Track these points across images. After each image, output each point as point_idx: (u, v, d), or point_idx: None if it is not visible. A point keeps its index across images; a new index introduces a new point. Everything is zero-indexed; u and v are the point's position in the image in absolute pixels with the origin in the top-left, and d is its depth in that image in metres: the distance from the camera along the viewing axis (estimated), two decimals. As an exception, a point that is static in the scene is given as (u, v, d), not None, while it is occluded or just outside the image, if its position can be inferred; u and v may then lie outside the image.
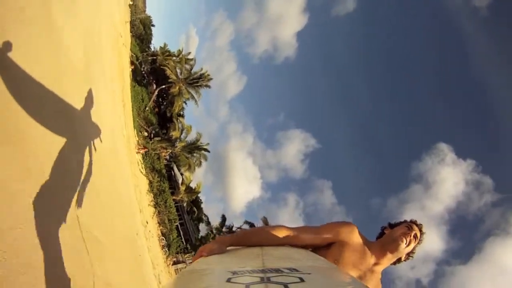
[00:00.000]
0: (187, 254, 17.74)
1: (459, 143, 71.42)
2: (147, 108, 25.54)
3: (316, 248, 1.43)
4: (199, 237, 20.96)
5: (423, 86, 74.41)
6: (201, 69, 26.10)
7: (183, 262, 16.97)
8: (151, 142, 22.76)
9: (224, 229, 21.81)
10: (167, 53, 33.39)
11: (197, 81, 26.08)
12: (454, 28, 72.36)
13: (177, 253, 17.40)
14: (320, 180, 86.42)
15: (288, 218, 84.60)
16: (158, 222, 17.83)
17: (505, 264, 60.96)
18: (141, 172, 16.34)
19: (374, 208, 75.47)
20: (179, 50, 34.73)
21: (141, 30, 39.07)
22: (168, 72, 24.24)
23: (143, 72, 32.36)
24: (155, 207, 18.33)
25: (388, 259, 1.48)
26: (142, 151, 16.88)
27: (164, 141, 22.82)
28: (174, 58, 33.42)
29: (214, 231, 20.54)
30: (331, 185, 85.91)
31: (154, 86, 32.31)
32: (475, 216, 62.65)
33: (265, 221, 22.35)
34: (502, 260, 59.56)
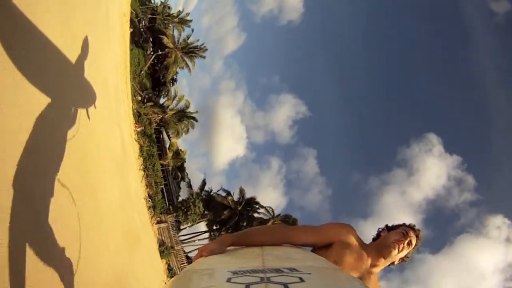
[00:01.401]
0: (169, 215, 20.26)
1: (450, 137, 71.02)
2: (142, 72, 26.52)
3: (316, 249, 1.46)
4: (181, 200, 23.47)
5: (424, 74, 74.06)
6: (198, 40, 26.82)
7: (165, 222, 19.50)
8: (144, 106, 24.24)
9: (203, 193, 24.29)
10: (167, 14, 33.70)
11: (193, 50, 26.97)
12: (465, 25, 71.61)
13: (161, 213, 19.85)
14: (305, 148, 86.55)
15: (269, 181, 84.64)
16: (146, 185, 19.99)
17: (471, 262, 62.71)
18: (134, 139, 18.15)
19: (354, 184, 76.93)
20: (179, 10, 35.02)
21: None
22: (165, 40, 24.95)
23: (141, 30, 32.58)
24: (144, 171, 20.39)
25: (383, 262, 1.52)
26: (138, 129, 18.48)
27: (157, 107, 24.31)
28: (173, 19, 33.90)
29: (194, 196, 22.91)
30: (316, 155, 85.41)
31: (151, 47, 32.78)
32: (451, 211, 64.09)
33: (241, 190, 24.79)
34: (469, 257, 61.38)
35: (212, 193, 24.94)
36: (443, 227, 69.24)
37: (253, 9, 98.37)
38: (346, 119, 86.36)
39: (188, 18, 34.62)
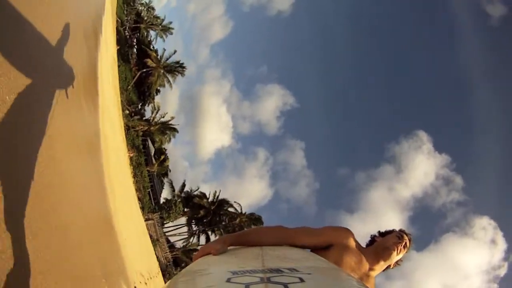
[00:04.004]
0: (155, 213, 24.87)
1: (439, 136, 70.14)
2: (129, 87, 30.21)
3: (315, 250, 1.47)
4: (164, 200, 28.12)
5: (417, 71, 73.18)
6: (179, 61, 30.79)
7: (152, 219, 24.11)
8: (132, 119, 28.21)
9: (182, 194, 28.91)
10: (150, 23, 37.46)
11: (174, 68, 30.94)
12: (457, 21, 70.72)
13: (148, 212, 24.38)
14: (293, 140, 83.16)
15: (255, 172, 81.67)
16: (136, 189, 24.40)
17: (456, 261, 62.23)
18: (129, 157, 22.45)
19: (341, 178, 75.11)
20: (162, 19, 38.66)
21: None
22: (149, 62, 28.80)
23: (126, 36, 35.73)
24: (134, 177, 24.74)
25: (381, 266, 1.58)
26: (131, 154, 22.71)
27: (143, 120, 28.42)
28: (156, 27, 37.74)
29: (176, 197, 27.53)
30: (304, 147, 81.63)
31: (135, 58, 36.07)
32: (438, 210, 63.25)
33: (215, 192, 29.48)
34: (454, 256, 60.86)
35: (191, 193, 29.55)
36: (429, 225, 68.93)
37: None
38: (335, 112, 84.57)
39: (171, 25, 38.54)
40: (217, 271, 0.84)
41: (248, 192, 77.86)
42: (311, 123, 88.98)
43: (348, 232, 1.54)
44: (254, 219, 27.04)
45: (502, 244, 55.10)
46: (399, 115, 78.08)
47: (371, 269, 1.55)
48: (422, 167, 65.09)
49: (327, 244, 1.47)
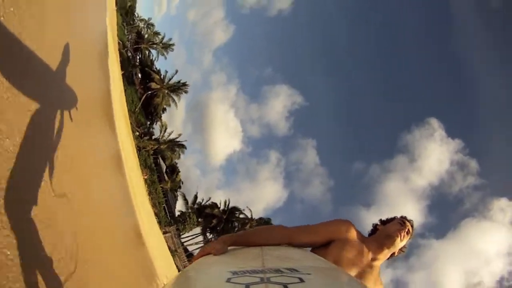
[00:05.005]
0: (171, 226, 26.88)
1: (451, 121, 69.82)
2: (136, 109, 32.27)
3: (315, 248, 1.49)
4: (179, 213, 30.21)
5: (423, 59, 72.43)
6: (180, 80, 32.76)
7: (169, 232, 26.12)
8: (142, 140, 30.25)
9: (195, 206, 30.88)
10: (151, 42, 39.51)
11: (178, 87, 32.97)
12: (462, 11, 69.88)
13: (165, 226, 26.39)
14: (304, 139, 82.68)
15: (268, 175, 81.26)
16: (151, 205, 26.42)
17: (476, 246, 61.95)
18: (143, 179, 24.46)
19: (355, 173, 75.15)
20: (162, 36, 40.63)
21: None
22: (153, 85, 30.81)
23: (129, 57, 37.80)
24: (149, 194, 26.76)
25: (385, 254, 1.56)
26: (146, 176, 24.71)
27: (152, 140, 30.46)
28: (157, 46, 39.77)
29: (189, 210, 29.55)
30: (315, 145, 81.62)
31: (139, 79, 38.12)
32: (455, 196, 63.38)
33: (226, 201, 31.39)
34: (474, 241, 60.61)
35: (203, 204, 31.52)
36: (447, 212, 69.26)
37: (240, 0, 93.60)
38: (344, 107, 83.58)
39: (168, 42, 40.41)
40: (217, 271, 0.85)
41: (263, 195, 78.95)
42: (321, 120, 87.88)
43: (347, 224, 1.53)
44: (263, 223, 28.83)
45: (522, 224, 54.51)
46: (410, 104, 77.21)
47: (374, 258, 1.54)
48: (435, 154, 64.74)
49: (328, 240, 1.47)
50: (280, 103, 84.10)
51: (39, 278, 2.48)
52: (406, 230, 1.58)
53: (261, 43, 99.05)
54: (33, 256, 2.54)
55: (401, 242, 1.57)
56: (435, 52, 72.16)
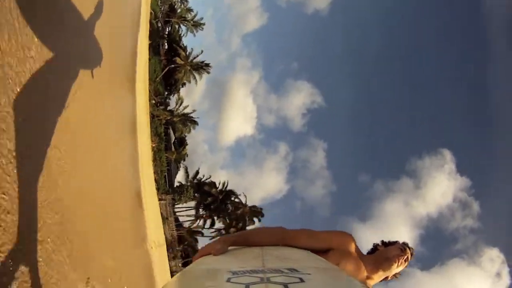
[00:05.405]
0: (168, 195, 28.13)
1: (464, 157, 69.41)
2: (157, 79, 33.35)
3: (314, 252, 1.40)
4: (177, 184, 31.45)
5: (455, 91, 72.05)
6: (205, 61, 33.65)
7: (164, 200, 27.37)
8: (157, 109, 31.42)
9: (195, 181, 32.03)
10: (183, 17, 40.34)
11: (201, 66, 33.94)
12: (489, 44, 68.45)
13: (162, 193, 27.63)
14: (316, 139, 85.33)
15: (274, 165, 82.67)
16: (154, 172, 27.64)
17: (458, 287, 62.87)
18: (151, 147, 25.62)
19: (360, 185, 76.14)
20: (194, 14, 41.40)
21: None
22: (178, 60, 31.81)
23: (158, 28, 38.68)
24: (153, 161, 27.96)
25: (379, 275, 1.56)
26: (154, 144, 25.86)
27: (167, 111, 31.60)
28: (188, 22, 40.54)
29: (188, 183, 30.74)
30: (326, 148, 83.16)
31: (164, 52, 39.10)
32: (450, 233, 64.08)
33: (224, 183, 32.42)
34: (457, 282, 61.56)
35: (203, 180, 32.63)
36: (438, 246, 69.64)
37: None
38: (362, 116, 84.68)
39: (199, 21, 41.21)
40: (217, 271, 0.84)
41: (264, 184, 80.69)
42: (336, 124, 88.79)
43: (349, 238, 1.53)
44: (255, 211, 29.90)
45: (506, 280, 56.21)
46: (427, 129, 76.67)
47: (368, 277, 1.54)
48: (441, 186, 64.74)
49: (327, 248, 1.46)
50: (299, 99, 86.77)
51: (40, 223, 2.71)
52: (405, 257, 1.59)
53: (291, 37, 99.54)
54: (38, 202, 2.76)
55: (397, 267, 1.58)
56: (468, 86, 71.26)
